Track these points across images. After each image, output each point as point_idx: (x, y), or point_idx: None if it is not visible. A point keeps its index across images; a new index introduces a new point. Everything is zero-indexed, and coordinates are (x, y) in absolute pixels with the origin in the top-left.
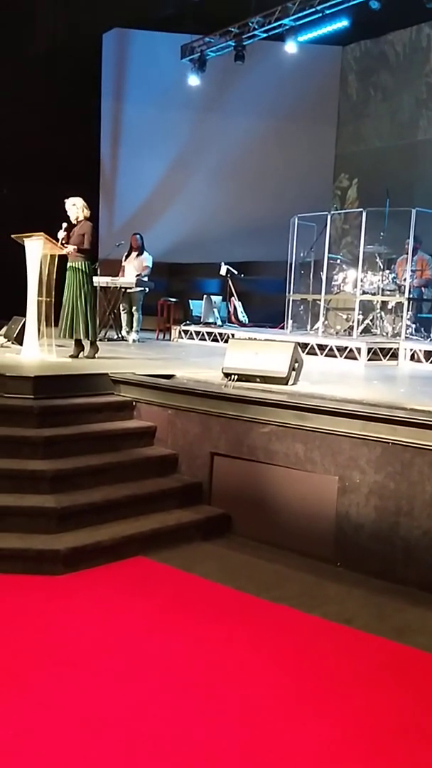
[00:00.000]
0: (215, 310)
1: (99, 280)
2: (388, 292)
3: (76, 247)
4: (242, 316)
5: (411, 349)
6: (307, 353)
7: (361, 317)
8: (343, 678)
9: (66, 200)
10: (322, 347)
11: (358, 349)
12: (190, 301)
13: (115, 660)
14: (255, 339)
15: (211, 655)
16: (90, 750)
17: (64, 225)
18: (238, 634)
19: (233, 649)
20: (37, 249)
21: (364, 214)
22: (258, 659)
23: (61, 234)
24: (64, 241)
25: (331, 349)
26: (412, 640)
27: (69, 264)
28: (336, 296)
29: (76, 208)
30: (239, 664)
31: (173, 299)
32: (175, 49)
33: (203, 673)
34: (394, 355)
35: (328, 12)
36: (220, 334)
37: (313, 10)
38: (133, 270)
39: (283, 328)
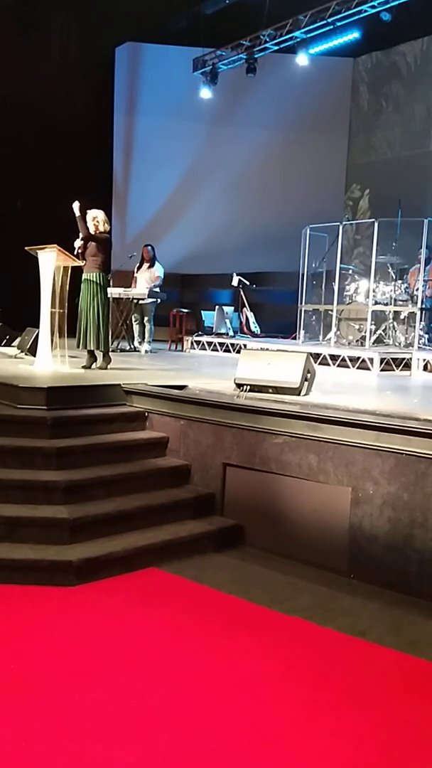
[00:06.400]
0: (227, 321)
1: (111, 292)
2: (401, 302)
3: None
4: (254, 327)
5: (424, 360)
6: (320, 363)
7: (373, 327)
8: (357, 691)
9: (91, 210)
10: (334, 357)
11: (371, 360)
12: (202, 311)
13: (127, 672)
14: (267, 349)
15: (223, 667)
16: (102, 762)
17: (81, 235)
18: (250, 646)
19: (246, 661)
20: (50, 261)
21: (376, 225)
22: (271, 672)
23: (78, 243)
24: (79, 251)
25: (343, 360)
26: (426, 653)
27: (83, 277)
28: (348, 306)
29: (98, 219)
30: (252, 677)
31: (185, 310)
32: (187, 63)
33: (215, 685)
34: (407, 366)
35: (339, 24)
36: (232, 345)
37: (324, 22)
38: (145, 281)
39: (295, 338)
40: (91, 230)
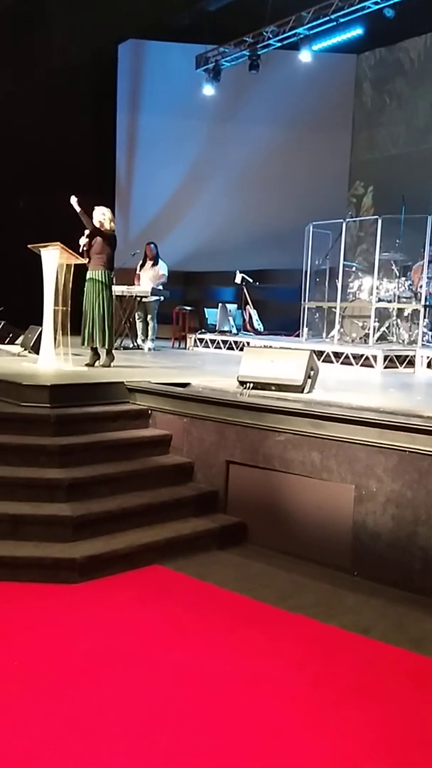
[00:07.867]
0: (230, 319)
1: (115, 289)
2: (404, 300)
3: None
4: (257, 324)
5: (427, 357)
6: (323, 361)
7: (376, 325)
8: (361, 688)
9: (99, 207)
10: (337, 355)
11: (374, 357)
12: (205, 309)
13: (131, 669)
14: (270, 347)
15: (226, 665)
16: (105, 760)
17: (87, 231)
18: (254, 643)
19: (249, 658)
20: (53, 259)
21: (379, 222)
22: (274, 669)
23: (83, 240)
24: (85, 248)
25: (346, 357)
26: (430, 651)
27: (88, 275)
28: (351, 304)
29: (104, 217)
30: (255, 674)
31: (188, 308)
32: (189, 60)
33: (218, 682)
34: (411, 363)
35: (342, 21)
36: (236, 343)
37: (327, 18)
38: (148, 279)
39: (298, 335)
40: (107, 226)
